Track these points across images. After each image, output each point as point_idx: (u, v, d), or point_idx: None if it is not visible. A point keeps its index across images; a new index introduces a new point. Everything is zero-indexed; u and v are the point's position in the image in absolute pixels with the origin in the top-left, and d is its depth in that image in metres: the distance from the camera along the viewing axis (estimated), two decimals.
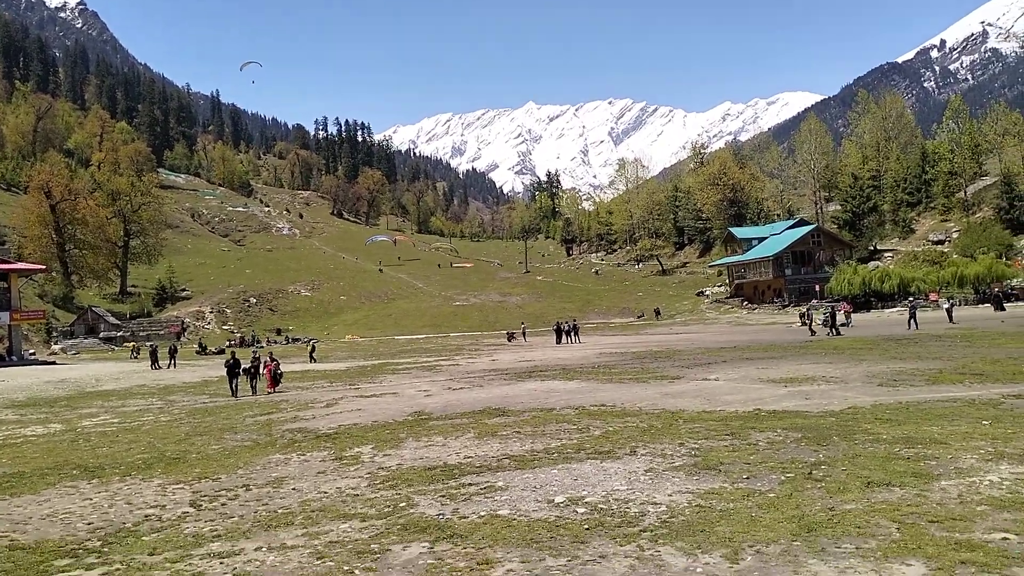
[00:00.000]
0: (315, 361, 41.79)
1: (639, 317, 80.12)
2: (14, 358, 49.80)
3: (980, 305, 56.72)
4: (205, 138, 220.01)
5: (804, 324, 41.48)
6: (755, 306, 77.88)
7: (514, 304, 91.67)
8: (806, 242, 79.32)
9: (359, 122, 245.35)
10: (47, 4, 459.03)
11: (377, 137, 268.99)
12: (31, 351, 56.82)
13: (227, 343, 65.45)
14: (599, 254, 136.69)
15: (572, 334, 49.59)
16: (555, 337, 49.75)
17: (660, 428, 12.59)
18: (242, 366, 24.94)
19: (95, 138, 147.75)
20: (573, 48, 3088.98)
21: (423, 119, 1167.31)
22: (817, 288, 73.03)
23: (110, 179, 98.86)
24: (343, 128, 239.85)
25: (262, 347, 60.95)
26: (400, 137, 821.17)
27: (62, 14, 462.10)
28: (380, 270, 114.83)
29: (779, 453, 10.10)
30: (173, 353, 44.52)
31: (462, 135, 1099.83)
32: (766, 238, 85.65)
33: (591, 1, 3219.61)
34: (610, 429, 12.83)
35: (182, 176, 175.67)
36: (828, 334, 38.64)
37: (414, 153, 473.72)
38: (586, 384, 21.66)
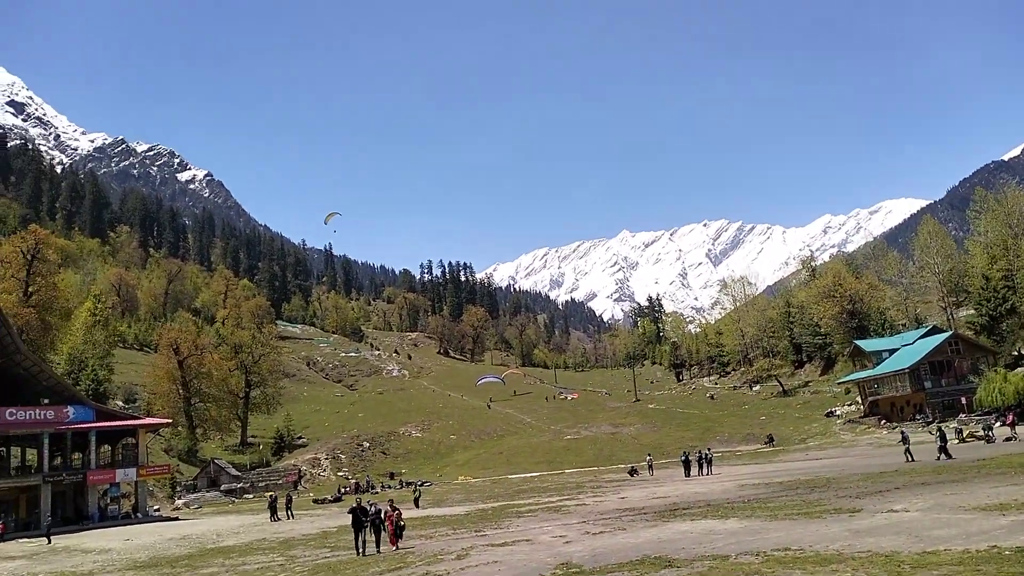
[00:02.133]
0: (419, 507, 39.92)
1: (767, 443, 74.84)
2: (139, 515, 50.24)
3: None
4: (319, 289, 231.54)
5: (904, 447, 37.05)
6: (894, 424, 71.32)
7: (628, 435, 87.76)
8: (943, 351, 73.12)
9: (461, 263, 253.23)
10: (179, 179, 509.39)
11: (479, 276, 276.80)
12: (156, 507, 57.55)
13: (341, 489, 64.59)
14: (712, 377, 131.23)
15: (706, 465, 46.06)
16: (684, 469, 46.27)
17: None
18: (369, 516, 22.97)
19: (220, 296, 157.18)
20: (662, 174, 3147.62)
21: (521, 255, 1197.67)
22: (963, 400, 66.41)
23: (233, 333, 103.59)
24: (446, 270, 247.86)
25: (376, 492, 59.74)
26: (500, 274, 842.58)
27: (192, 186, 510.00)
28: (488, 406, 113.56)
29: None
30: (289, 503, 43.70)
31: (559, 267, 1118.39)
32: (897, 349, 79.63)
33: (677, 127, 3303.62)
34: None
35: (298, 326, 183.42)
36: (938, 458, 34.05)
37: (514, 288, 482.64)
38: (748, 523, 18.96)
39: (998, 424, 49.04)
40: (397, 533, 22.71)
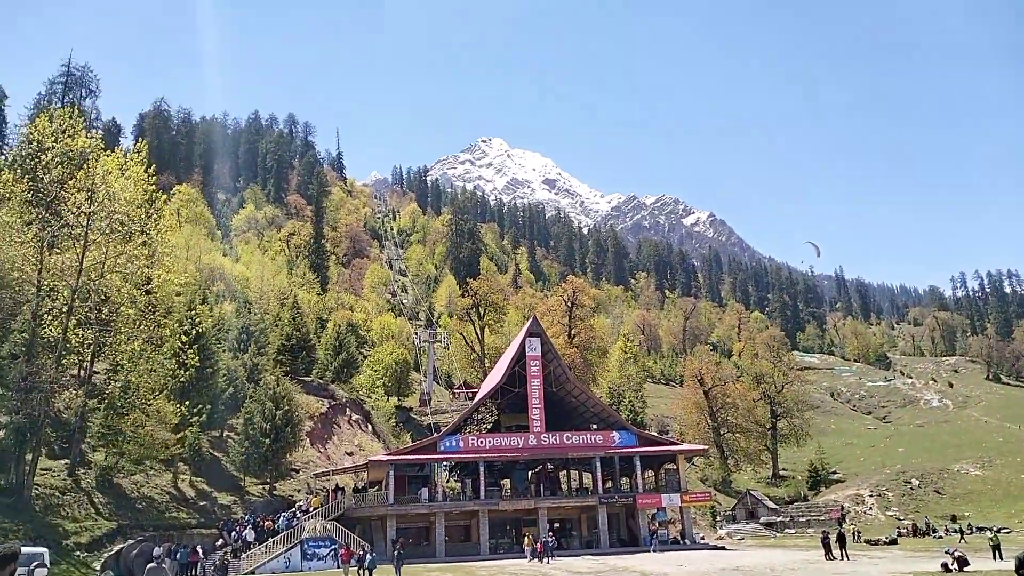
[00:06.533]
0: (999, 558, 31.67)
1: None
2: (687, 541, 51.04)
3: None
4: (834, 316, 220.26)
5: None
6: None
7: None
8: None
9: (1005, 271, 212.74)
10: (684, 223, 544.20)
11: None
12: (700, 535, 58.20)
13: (899, 531, 57.13)
14: None
15: None
16: None
17: None
18: None
19: (734, 329, 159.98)
20: None
21: None
22: None
23: (752, 363, 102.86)
24: (984, 281, 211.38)
25: (940, 537, 51.29)
26: None
27: (696, 228, 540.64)
28: None
29: None
30: (842, 542, 39.24)
31: None
32: None
33: None
34: None
35: (815, 356, 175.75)
36: None
37: None
38: None
39: None
40: None
